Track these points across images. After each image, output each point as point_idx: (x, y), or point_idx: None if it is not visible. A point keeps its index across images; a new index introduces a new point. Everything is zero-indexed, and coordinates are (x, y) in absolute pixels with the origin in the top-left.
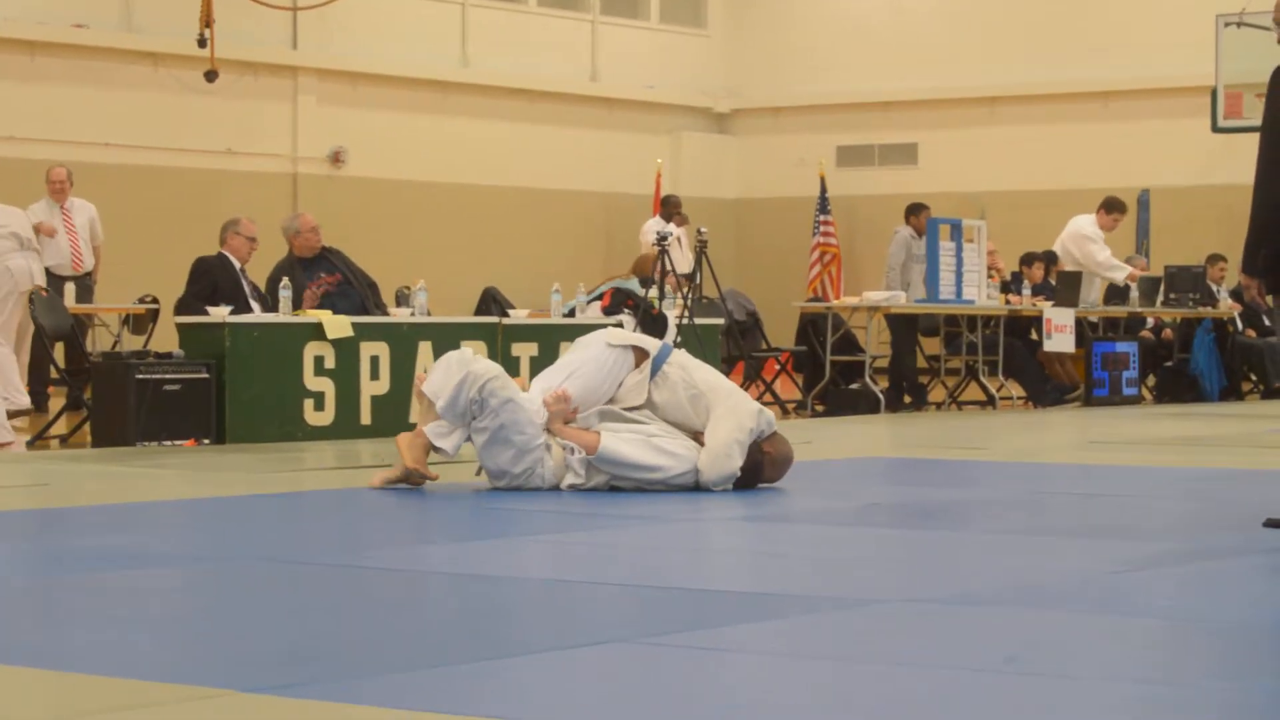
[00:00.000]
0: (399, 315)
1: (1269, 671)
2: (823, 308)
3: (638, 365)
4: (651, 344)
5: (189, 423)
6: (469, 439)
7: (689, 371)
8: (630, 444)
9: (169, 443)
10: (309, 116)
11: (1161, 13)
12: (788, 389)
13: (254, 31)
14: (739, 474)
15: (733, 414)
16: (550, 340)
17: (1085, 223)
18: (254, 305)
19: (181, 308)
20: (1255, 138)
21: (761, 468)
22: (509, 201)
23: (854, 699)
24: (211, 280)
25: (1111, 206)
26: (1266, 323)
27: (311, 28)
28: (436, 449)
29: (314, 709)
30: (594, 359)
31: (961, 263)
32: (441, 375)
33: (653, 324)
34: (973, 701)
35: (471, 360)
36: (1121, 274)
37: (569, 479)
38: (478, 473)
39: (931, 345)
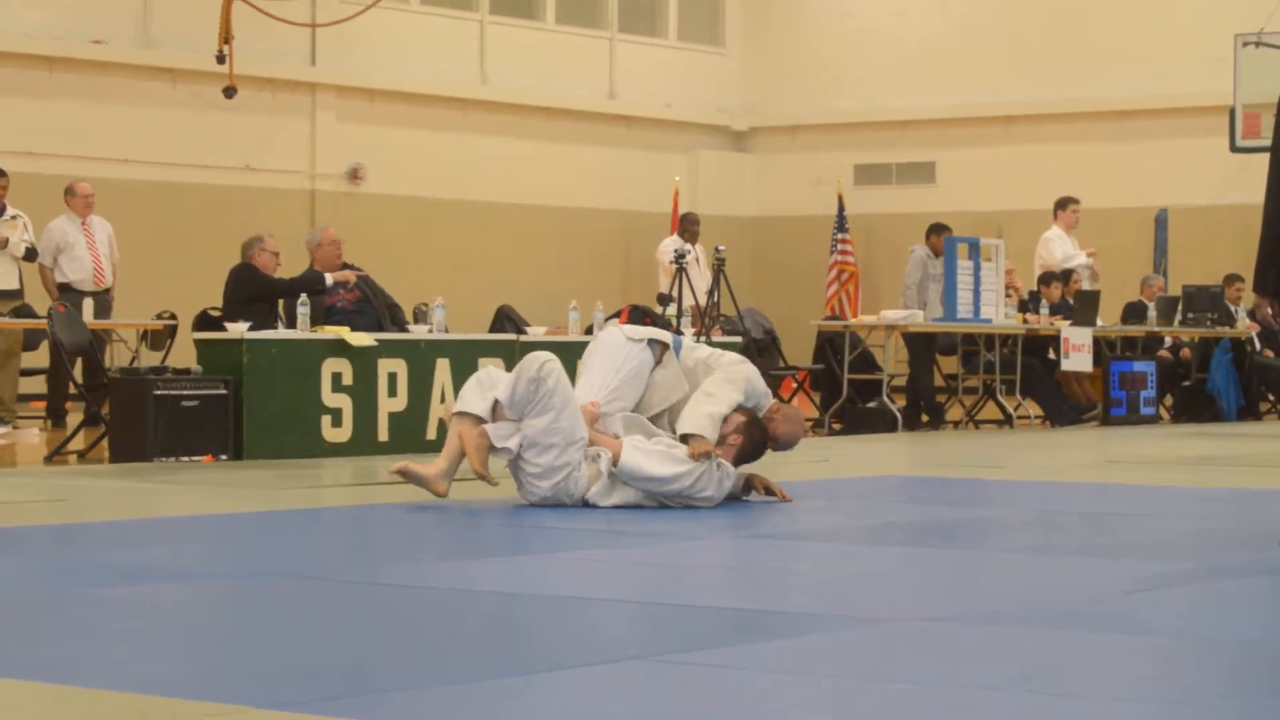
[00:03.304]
0: (417, 332)
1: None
2: (840, 326)
3: (661, 358)
4: (665, 335)
5: (206, 438)
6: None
7: (698, 351)
8: (649, 456)
9: (186, 458)
10: (327, 133)
11: (1180, 32)
12: (805, 407)
13: (273, 48)
14: (722, 415)
15: (726, 377)
16: (568, 357)
17: (1049, 231)
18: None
19: (214, 316)
20: None
21: (773, 428)
22: (527, 219)
23: (869, 717)
24: (257, 286)
25: (1063, 204)
26: None
27: (330, 44)
28: (498, 449)
29: None
30: (625, 356)
31: (979, 282)
32: (475, 389)
33: None
34: None
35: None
36: (1080, 259)
37: (595, 488)
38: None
39: (949, 364)
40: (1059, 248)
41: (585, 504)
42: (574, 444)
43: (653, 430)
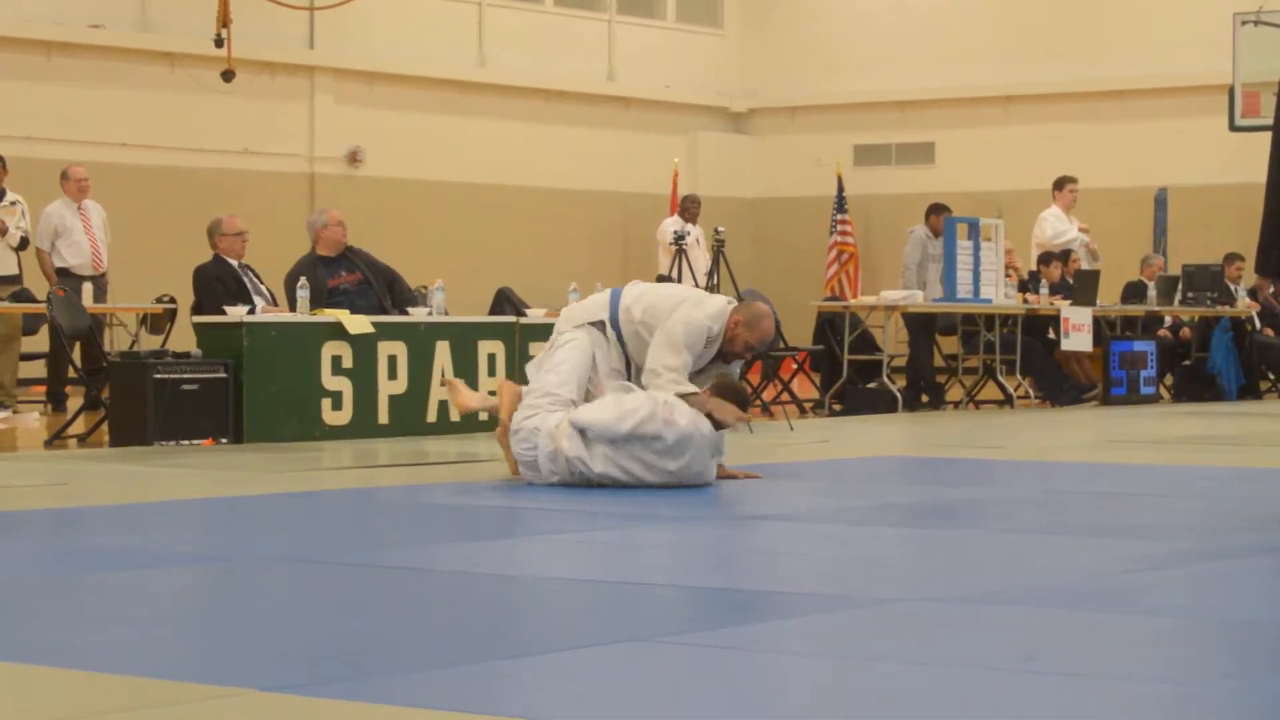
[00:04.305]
0: (416, 315)
1: None
2: (840, 307)
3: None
4: (599, 308)
5: (207, 422)
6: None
7: (632, 312)
8: (597, 407)
9: (187, 442)
10: (326, 116)
11: (1179, 11)
12: (805, 388)
13: (271, 31)
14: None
15: (663, 342)
16: None
17: (1046, 211)
18: (258, 301)
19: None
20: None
21: (745, 339)
22: (526, 201)
23: (869, 698)
24: (218, 286)
25: (1060, 184)
26: None
27: (328, 27)
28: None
29: (333, 708)
30: (575, 346)
31: (979, 262)
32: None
33: None
34: (989, 700)
35: None
36: (1071, 234)
37: (569, 443)
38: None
39: (949, 344)
40: (1051, 226)
41: (568, 469)
42: (546, 396)
43: (633, 388)
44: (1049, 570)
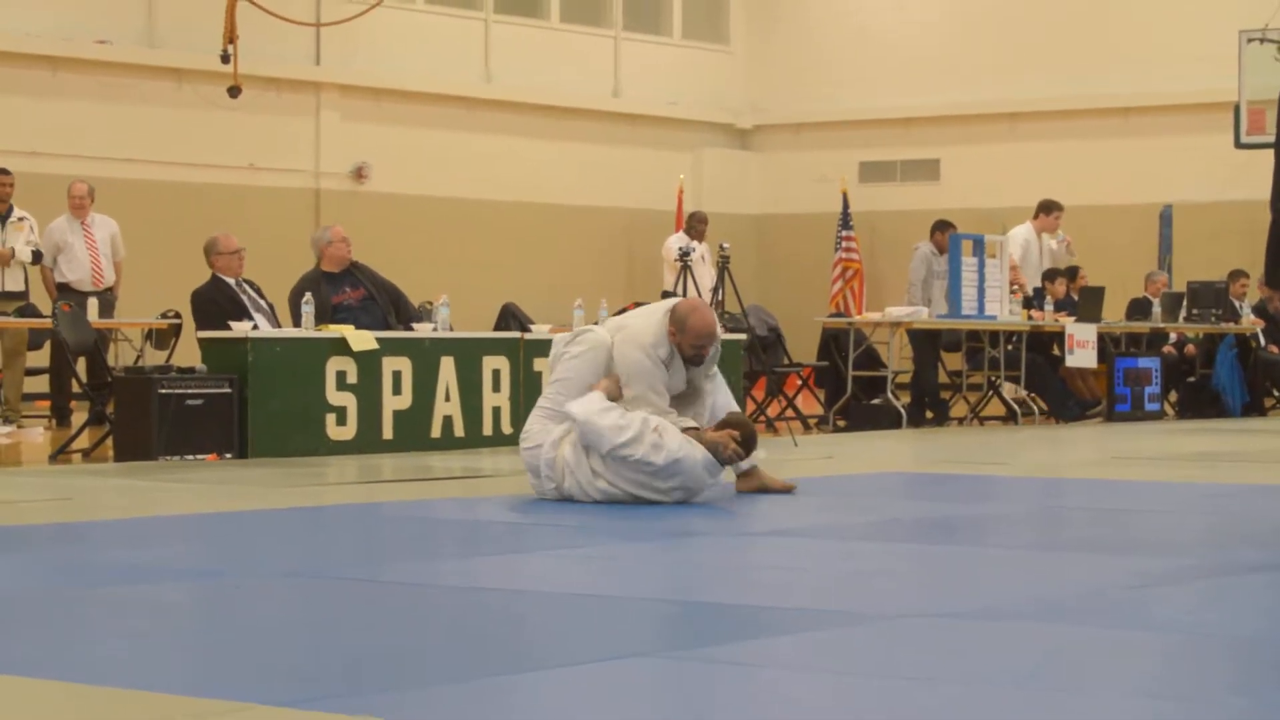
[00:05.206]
0: (421, 330)
1: None
2: (845, 323)
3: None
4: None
5: (211, 437)
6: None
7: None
8: (603, 411)
9: (191, 457)
10: (332, 132)
11: (1184, 28)
12: (809, 404)
13: (277, 47)
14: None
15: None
16: None
17: (1015, 232)
18: (259, 317)
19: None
20: None
21: (688, 343)
22: (531, 217)
23: (871, 714)
24: (214, 309)
25: (1047, 209)
26: None
27: (334, 43)
28: None
29: None
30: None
31: (984, 278)
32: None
33: None
34: (992, 716)
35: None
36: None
37: (568, 448)
38: None
39: (953, 361)
40: (1013, 249)
41: (566, 480)
42: (555, 406)
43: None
44: (1053, 586)
